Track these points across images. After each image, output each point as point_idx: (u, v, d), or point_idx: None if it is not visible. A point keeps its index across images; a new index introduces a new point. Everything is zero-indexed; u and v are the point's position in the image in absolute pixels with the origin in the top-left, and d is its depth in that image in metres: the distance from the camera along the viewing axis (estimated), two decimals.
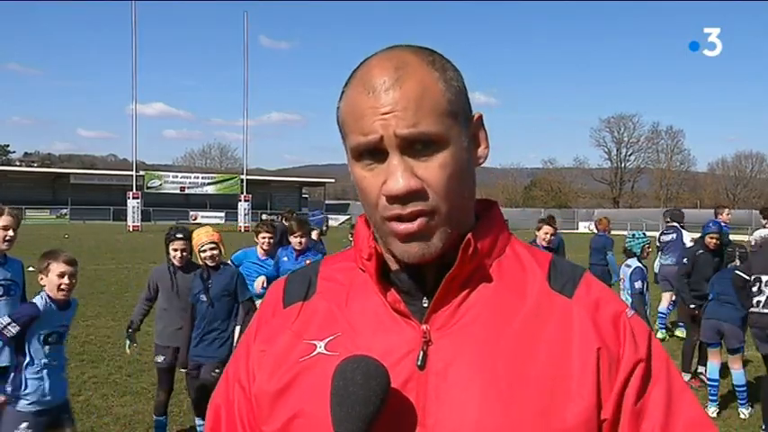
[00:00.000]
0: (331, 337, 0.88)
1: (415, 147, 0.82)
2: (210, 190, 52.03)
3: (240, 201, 44.91)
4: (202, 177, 52.83)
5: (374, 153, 0.84)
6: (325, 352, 0.87)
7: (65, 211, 51.47)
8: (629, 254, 6.29)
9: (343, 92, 0.89)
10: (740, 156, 75.61)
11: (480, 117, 0.91)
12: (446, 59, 0.89)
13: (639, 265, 6.12)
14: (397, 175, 0.81)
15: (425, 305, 0.87)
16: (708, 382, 6.20)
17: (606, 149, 74.76)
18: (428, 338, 0.85)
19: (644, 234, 6.63)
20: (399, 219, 0.83)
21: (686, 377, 6.97)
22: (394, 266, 0.89)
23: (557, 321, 0.87)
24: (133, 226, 38.26)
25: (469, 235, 0.87)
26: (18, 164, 78.37)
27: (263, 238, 6.41)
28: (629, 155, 75.00)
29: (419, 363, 0.84)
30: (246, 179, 49.41)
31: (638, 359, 0.86)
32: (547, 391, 0.82)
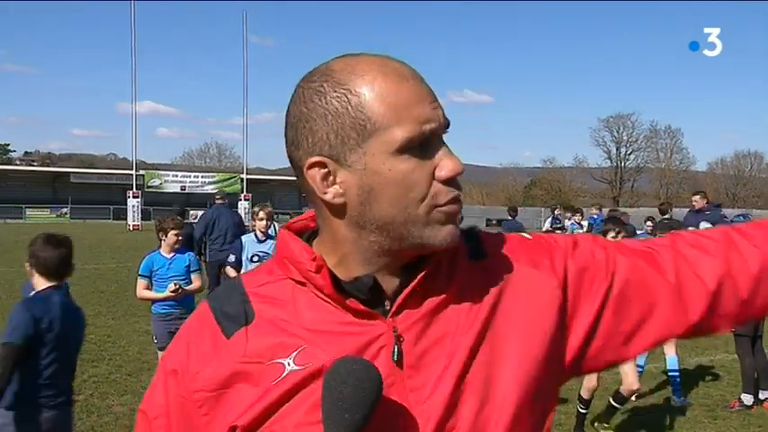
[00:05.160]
0: (296, 352, 0.84)
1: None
2: (210, 189, 51.96)
3: (240, 200, 44.92)
4: (202, 177, 52.86)
5: (424, 141, 0.82)
6: (295, 368, 0.83)
7: (65, 209, 51.38)
8: None
9: (349, 90, 0.82)
10: (739, 155, 75.62)
11: None
12: None
13: None
14: (451, 157, 0.84)
15: (387, 307, 0.87)
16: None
17: (606, 149, 74.78)
18: (398, 333, 0.85)
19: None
20: (454, 201, 0.85)
21: (749, 399, 6.15)
22: (347, 276, 0.87)
23: (498, 287, 0.91)
24: (133, 225, 38.19)
25: None
26: (18, 163, 78.37)
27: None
28: (629, 154, 74.97)
29: (395, 358, 0.84)
30: (246, 178, 49.43)
31: (565, 256, 0.96)
32: (523, 356, 0.89)
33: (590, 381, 5.20)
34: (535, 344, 0.90)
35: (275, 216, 7.11)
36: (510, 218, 13.81)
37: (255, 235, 6.51)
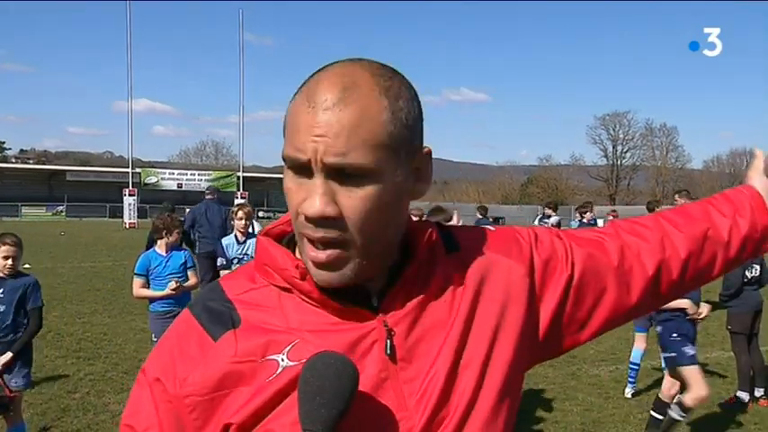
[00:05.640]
0: (289, 347, 0.84)
1: (342, 174, 0.79)
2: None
3: (237, 198, 44.87)
4: (199, 174, 52.79)
5: (303, 168, 0.81)
6: (290, 364, 0.83)
7: (61, 208, 51.29)
8: None
9: (295, 94, 0.85)
10: (735, 153, 75.80)
11: (429, 152, 0.90)
12: (406, 86, 0.86)
13: None
14: (315, 197, 0.79)
15: (375, 304, 0.88)
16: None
17: (602, 147, 74.84)
18: (389, 327, 0.87)
19: None
20: (310, 240, 0.82)
21: (745, 396, 6.17)
22: None
23: (480, 277, 0.94)
24: (129, 223, 38.12)
25: (430, 230, 0.93)
26: (14, 161, 78.10)
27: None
28: (625, 152, 75.08)
29: (388, 352, 0.85)
30: (243, 176, 49.42)
31: (529, 251, 0.99)
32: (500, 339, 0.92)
33: (700, 389, 4.54)
34: (515, 329, 0.93)
35: (273, 214, 6.97)
36: (481, 216, 15.00)
37: (235, 236, 6.31)
